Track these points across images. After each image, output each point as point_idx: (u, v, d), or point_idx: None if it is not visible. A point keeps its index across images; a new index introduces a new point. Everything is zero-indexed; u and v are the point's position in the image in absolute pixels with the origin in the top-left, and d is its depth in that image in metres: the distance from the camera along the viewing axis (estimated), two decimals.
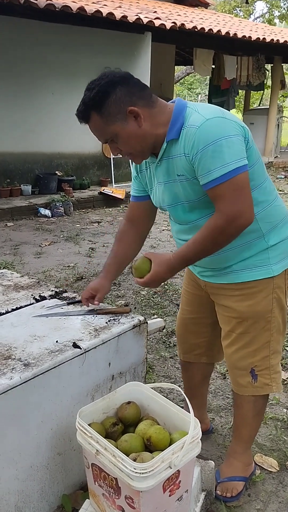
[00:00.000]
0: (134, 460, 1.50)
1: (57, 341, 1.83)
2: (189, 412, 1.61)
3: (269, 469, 2.12)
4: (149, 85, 8.72)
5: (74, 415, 1.80)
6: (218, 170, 1.51)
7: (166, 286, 4.18)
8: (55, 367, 1.70)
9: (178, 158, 1.63)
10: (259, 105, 16.32)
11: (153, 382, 2.74)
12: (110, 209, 7.47)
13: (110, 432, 1.71)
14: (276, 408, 2.56)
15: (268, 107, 12.29)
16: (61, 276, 4.42)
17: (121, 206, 7.62)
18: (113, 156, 8.21)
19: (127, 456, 1.54)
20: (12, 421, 1.59)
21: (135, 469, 1.43)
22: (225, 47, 10.19)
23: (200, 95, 40.11)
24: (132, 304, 3.74)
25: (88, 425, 1.67)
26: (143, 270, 1.80)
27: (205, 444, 2.25)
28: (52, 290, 2.34)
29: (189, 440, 1.53)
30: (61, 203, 6.90)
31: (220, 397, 2.61)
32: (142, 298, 3.90)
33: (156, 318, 3.47)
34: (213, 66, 10.84)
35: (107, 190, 7.73)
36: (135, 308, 3.70)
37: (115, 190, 7.72)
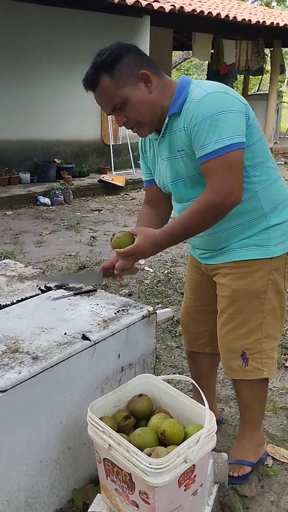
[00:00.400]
0: (149, 455, 1.46)
1: (65, 333, 1.78)
2: (203, 404, 1.56)
3: (282, 460, 2.08)
4: None
5: (84, 409, 1.76)
6: (212, 145, 1.50)
7: (169, 275, 4.13)
8: (64, 360, 1.66)
9: (178, 133, 1.62)
10: (257, 91, 16.18)
11: (160, 373, 2.70)
12: (110, 197, 7.39)
13: (122, 426, 1.66)
14: (286, 397, 2.53)
15: (267, 92, 12.16)
16: (63, 265, 4.36)
17: (121, 194, 7.54)
18: (113, 143, 8.11)
19: (141, 451, 1.50)
20: (21, 416, 1.55)
21: (150, 464, 1.39)
22: (224, 31, 10.05)
23: None
24: (135, 293, 3.69)
25: (100, 419, 1.63)
26: (124, 243, 1.72)
27: (216, 435, 2.21)
28: (52, 275, 2.28)
29: (204, 434, 1.49)
30: (60, 191, 6.83)
31: (228, 387, 2.57)
32: (145, 287, 3.84)
33: (163, 308, 3.43)
34: (212, 51, 10.68)
35: (106, 177, 7.64)
36: (138, 297, 3.65)
37: (115, 178, 7.63)
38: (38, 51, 7.27)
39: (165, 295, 3.70)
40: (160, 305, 3.53)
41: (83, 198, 7.21)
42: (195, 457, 1.46)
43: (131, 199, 7.25)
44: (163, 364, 2.79)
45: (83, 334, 1.77)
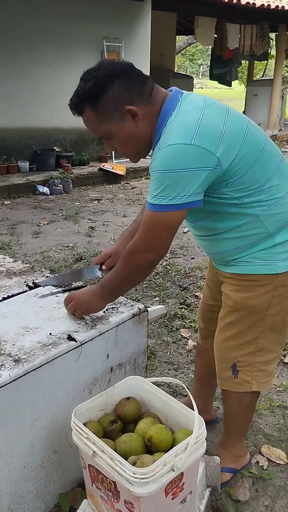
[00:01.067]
0: (134, 463, 1.40)
1: (50, 334, 1.71)
2: (193, 409, 1.49)
3: (277, 461, 2.02)
4: (149, 56, 8.48)
5: (70, 411, 1.69)
6: (152, 197, 1.46)
7: (168, 267, 4.05)
8: (48, 362, 1.59)
9: None
10: (262, 76, 15.92)
11: (155, 369, 2.64)
12: (111, 186, 7.29)
13: (108, 431, 1.60)
14: (283, 395, 2.46)
15: (272, 77, 11.94)
16: (60, 256, 4.29)
17: (122, 183, 7.43)
18: None
19: (127, 458, 1.43)
20: (2, 421, 1.48)
21: (134, 474, 1.33)
22: (228, 14, 9.83)
23: (202, 66, 39.30)
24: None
25: (85, 423, 1.57)
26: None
27: (210, 435, 2.14)
28: (47, 276, 2.20)
29: (193, 441, 1.42)
30: (59, 180, 6.73)
31: None
32: None
33: (157, 304, 3.35)
34: (215, 36, 10.47)
35: (107, 166, 7.53)
36: (135, 290, 3.58)
37: (116, 166, 7.52)
38: (36, 37, 7.12)
39: (163, 288, 3.63)
40: (157, 298, 3.45)
41: (83, 187, 7.11)
42: (182, 465, 1.40)
43: (131, 188, 7.14)
44: (158, 360, 2.72)
45: (69, 335, 1.70)
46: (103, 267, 1.96)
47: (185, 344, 2.90)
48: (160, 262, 4.10)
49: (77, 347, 1.68)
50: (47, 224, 5.31)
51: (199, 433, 1.45)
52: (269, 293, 1.65)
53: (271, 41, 11.88)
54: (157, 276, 3.86)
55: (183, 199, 1.42)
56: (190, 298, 3.49)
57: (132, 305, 1.95)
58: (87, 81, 1.45)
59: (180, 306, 3.34)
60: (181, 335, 2.98)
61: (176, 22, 12.01)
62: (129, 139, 1.53)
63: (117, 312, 1.90)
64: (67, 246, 4.58)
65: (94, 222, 5.41)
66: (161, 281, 3.76)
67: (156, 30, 8.73)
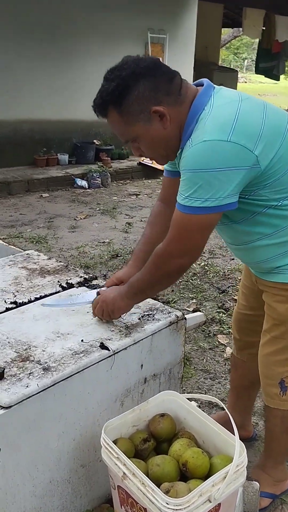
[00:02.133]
0: (167, 492, 1.28)
1: (82, 340, 1.61)
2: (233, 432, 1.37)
3: None
4: (194, 48, 8.28)
5: (101, 423, 1.60)
6: (183, 198, 1.35)
7: (206, 267, 3.90)
8: (78, 372, 1.49)
9: None
10: None
11: (191, 377, 2.51)
12: (149, 181, 7.16)
13: (140, 450, 1.49)
14: None
15: None
16: (96, 253, 4.20)
17: (161, 178, 7.28)
18: None
19: (160, 484, 1.32)
20: (28, 434, 1.39)
21: (168, 504, 1.22)
22: (278, 6, 9.47)
23: (246, 60, 38.57)
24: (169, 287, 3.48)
25: (115, 440, 1.46)
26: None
27: (248, 454, 1.99)
28: (81, 277, 2.11)
29: (233, 470, 1.30)
30: (98, 173, 6.65)
31: None
32: (180, 280, 3.63)
33: (194, 307, 3.22)
34: (263, 28, 10.14)
35: (146, 160, 7.40)
36: (172, 291, 3.45)
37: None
38: (80, 28, 7.04)
39: (201, 290, 3.48)
40: (194, 301, 3.32)
41: (121, 182, 7.01)
42: (220, 496, 1.27)
43: None
44: (194, 367, 2.59)
45: (102, 343, 1.59)
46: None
47: (223, 351, 2.76)
48: (198, 262, 3.97)
49: (110, 356, 1.58)
50: (84, 218, 5.24)
51: (239, 461, 1.32)
52: None
53: None
54: (195, 277, 3.72)
55: (217, 201, 1.31)
56: (229, 302, 3.34)
57: (170, 312, 1.83)
58: (110, 81, 1.36)
59: (218, 310, 3.19)
60: (219, 342, 2.85)
61: (223, 14, 11.72)
62: (156, 142, 1.43)
63: (153, 319, 1.78)
64: (103, 242, 4.50)
65: (132, 217, 5.31)
66: (199, 282, 3.62)
67: (202, 21, 8.51)
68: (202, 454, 1.38)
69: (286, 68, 13.21)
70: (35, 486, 1.47)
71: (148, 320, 1.77)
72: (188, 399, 1.57)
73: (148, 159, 7.05)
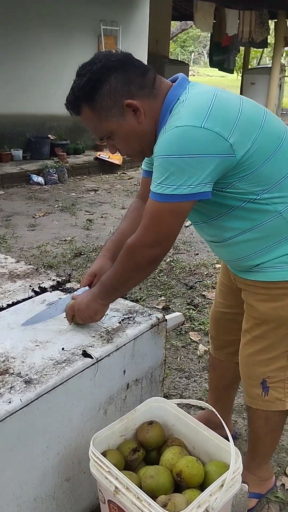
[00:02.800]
0: (165, 505, 1.24)
1: (63, 349, 1.54)
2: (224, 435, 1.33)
3: None
4: (147, 41, 8.22)
5: (85, 434, 1.54)
6: (155, 185, 1.31)
7: (172, 263, 3.87)
8: (62, 383, 1.41)
9: None
10: (258, 64, 15.69)
11: (166, 377, 2.47)
12: (107, 176, 7.06)
13: (130, 460, 1.43)
14: None
15: (270, 65, 11.71)
16: (58, 251, 4.09)
17: (118, 173, 7.21)
18: None
19: (154, 497, 1.27)
20: (11, 452, 1.31)
21: None
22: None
23: (193, 53, 38.83)
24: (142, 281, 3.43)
25: (104, 452, 1.40)
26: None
27: None
28: (54, 280, 2.02)
29: (230, 477, 1.26)
30: (54, 169, 6.49)
31: (241, 394, 2.33)
32: (146, 277, 3.58)
33: (163, 304, 3.18)
34: (214, 21, 10.20)
35: (103, 155, 7.30)
36: (140, 288, 3.40)
37: (112, 156, 7.29)
38: (31, 19, 6.82)
39: (168, 287, 3.45)
40: (163, 298, 3.28)
41: (78, 177, 6.87)
42: (218, 505, 1.24)
43: (128, 179, 6.93)
44: (168, 367, 2.56)
45: (84, 351, 1.52)
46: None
47: (196, 349, 2.74)
48: (163, 258, 3.94)
49: (93, 364, 1.51)
50: (43, 216, 5.10)
51: (236, 468, 1.29)
52: None
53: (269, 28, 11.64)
54: (161, 274, 3.68)
55: (189, 188, 1.27)
56: (197, 297, 3.32)
57: (150, 315, 1.78)
58: (81, 77, 1.34)
59: (187, 307, 3.17)
60: (191, 339, 2.82)
61: (172, 7, 11.71)
62: (131, 137, 1.39)
63: (134, 322, 1.73)
64: (64, 240, 4.38)
65: (92, 214, 5.20)
66: (166, 279, 3.59)
67: (152, 14, 8.44)
68: (197, 462, 1.35)
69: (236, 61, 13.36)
70: (19, 505, 1.39)
71: (129, 323, 1.71)
72: (176, 404, 1.53)
73: (107, 154, 6.92)
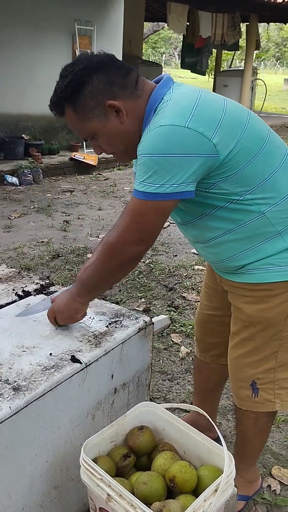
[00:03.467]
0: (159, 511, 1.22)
1: (51, 354, 1.51)
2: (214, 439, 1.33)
3: None
4: (121, 41, 8.19)
5: (73, 441, 1.51)
6: (138, 183, 1.31)
7: (151, 265, 3.87)
8: (51, 389, 1.38)
9: None
10: (230, 67, 15.84)
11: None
12: (82, 177, 7.00)
13: (121, 467, 1.41)
14: None
15: (242, 68, 11.85)
16: (35, 253, 4.03)
17: (94, 174, 7.17)
18: None
19: (148, 504, 1.25)
20: (0, 462, 1.27)
21: None
22: (200, 2, 9.63)
23: (164, 55, 38.98)
24: (116, 286, 3.41)
25: (94, 459, 1.38)
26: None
27: None
28: (37, 283, 1.98)
29: (224, 481, 1.26)
30: (29, 170, 6.40)
31: (224, 396, 2.34)
32: (126, 279, 3.57)
33: (143, 306, 3.17)
34: (187, 23, 10.25)
35: (78, 156, 7.24)
36: (119, 290, 3.38)
37: (87, 156, 7.24)
38: (5, 18, 6.71)
39: (148, 288, 3.44)
40: (143, 300, 3.27)
41: (54, 178, 6.80)
42: (212, 511, 1.23)
43: (104, 179, 6.89)
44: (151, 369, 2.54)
45: (73, 356, 1.50)
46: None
47: (178, 350, 2.74)
48: (142, 260, 3.93)
49: (82, 369, 1.48)
50: (18, 217, 5.01)
51: (229, 472, 1.29)
52: (286, 302, 1.50)
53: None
54: (141, 275, 3.67)
55: (172, 187, 1.27)
56: (178, 299, 3.32)
57: (137, 318, 1.77)
58: (64, 78, 1.35)
59: (168, 309, 3.16)
60: (173, 341, 2.82)
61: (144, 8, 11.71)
62: (115, 137, 1.40)
63: (121, 326, 1.71)
64: (41, 242, 4.32)
65: (68, 215, 5.15)
66: (146, 281, 3.58)
67: (125, 15, 8.43)
68: (190, 467, 1.33)
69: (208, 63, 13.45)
70: None
71: (116, 327, 1.69)
72: (166, 409, 1.51)
73: (82, 155, 6.85)
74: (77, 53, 7.23)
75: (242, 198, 1.38)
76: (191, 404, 2.21)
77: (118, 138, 1.40)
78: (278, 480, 1.89)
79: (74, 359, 1.48)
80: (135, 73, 1.39)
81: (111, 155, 1.52)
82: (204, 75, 13.69)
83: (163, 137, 1.25)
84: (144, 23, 14.28)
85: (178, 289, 3.47)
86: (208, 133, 1.26)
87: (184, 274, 3.74)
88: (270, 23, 17.27)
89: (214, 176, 1.34)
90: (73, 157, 7.19)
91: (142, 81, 1.39)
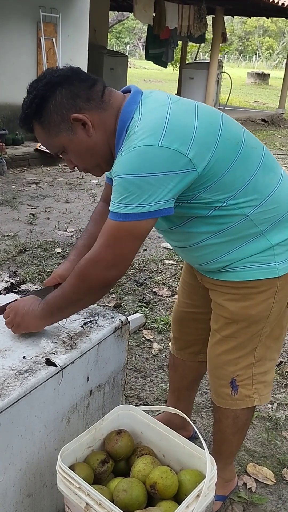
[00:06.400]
0: None
1: (24, 357, 1.44)
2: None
3: (265, 482, 1.88)
4: (88, 30, 8.04)
5: (48, 447, 1.46)
6: (114, 205, 1.28)
7: None
8: (26, 394, 1.32)
9: None
10: (195, 59, 15.86)
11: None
12: (48, 168, 6.85)
13: (99, 473, 1.37)
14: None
15: (208, 61, 11.85)
16: (1, 247, 3.90)
17: (60, 165, 7.02)
18: None
19: (128, 511, 1.21)
20: None
21: None
22: None
23: (128, 45, 38.71)
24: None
25: (71, 466, 1.33)
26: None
27: None
28: (7, 281, 1.90)
29: (207, 485, 1.23)
30: None
31: (198, 393, 2.32)
32: None
33: (114, 302, 3.11)
34: (154, 14, 10.16)
35: (43, 146, 7.06)
36: None
37: None
38: None
39: (119, 283, 3.38)
40: (114, 295, 3.21)
41: (18, 169, 6.61)
42: None
43: (71, 171, 6.75)
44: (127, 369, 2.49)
45: (48, 358, 1.44)
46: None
47: (150, 347, 2.70)
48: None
49: (58, 372, 1.43)
50: None
51: (211, 476, 1.26)
52: (269, 299, 1.49)
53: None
54: None
55: (148, 206, 1.24)
56: (149, 294, 3.28)
57: (113, 317, 1.72)
58: (29, 94, 1.34)
59: (139, 304, 3.12)
60: (145, 337, 2.78)
61: None
62: (84, 151, 1.37)
63: (97, 326, 1.65)
64: (7, 236, 4.19)
65: (35, 208, 5.02)
66: None
67: (91, 3, 8.25)
68: (171, 472, 1.30)
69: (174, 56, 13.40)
70: None
71: (91, 327, 1.64)
72: (144, 411, 1.47)
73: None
74: (42, 40, 7.04)
75: (225, 204, 1.36)
76: (166, 402, 2.19)
77: (87, 151, 1.36)
78: (254, 478, 1.89)
79: (49, 362, 1.43)
80: (100, 84, 1.35)
81: None
82: (166, 67, 13.63)
83: (137, 158, 1.22)
84: (110, 12, 14.10)
85: (149, 284, 3.43)
86: (182, 149, 1.24)
87: (155, 269, 3.70)
88: (234, 16, 17.35)
89: (195, 188, 1.32)
90: (38, 148, 7.02)
91: (109, 92, 1.36)
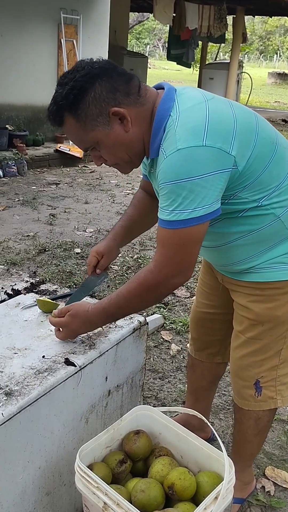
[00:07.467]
0: None
1: (44, 356, 1.45)
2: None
3: (283, 485, 1.87)
4: (108, 31, 8.07)
5: (66, 446, 1.47)
6: (168, 214, 1.25)
7: (139, 260, 3.82)
8: (45, 394, 1.34)
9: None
10: (215, 59, 15.79)
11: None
12: (68, 169, 6.89)
13: (117, 473, 1.37)
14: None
15: (228, 61, 11.79)
16: (21, 247, 3.95)
17: (80, 166, 7.07)
18: None
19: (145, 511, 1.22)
20: None
21: None
22: None
23: (148, 46, 38.76)
24: (105, 282, 3.35)
25: (90, 465, 1.34)
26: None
27: None
28: (27, 281, 1.92)
29: (225, 488, 1.22)
30: (13, 161, 6.27)
31: (216, 394, 2.31)
32: (114, 274, 3.52)
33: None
34: (174, 15, 10.15)
35: (63, 147, 7.12)
36: (108, 286, 3.33)
37: (73, 148, 7.13)
38: None
39: None
40: None
41: (38, 170, 6.68)
42: None
43: (90, 172, 6.80)
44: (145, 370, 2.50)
45: (67, 358, 1.45)
46: (97, 270, 1.71)
47: (168, 348, 2.70)
48: (130, 255, 3.88)
49: (76, 372, 1.44)
50: (3, 210, 4.91)
51: (230, 478, 1.26)
52: None
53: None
54: (129, 271, 3.61)
55: (204, 209, 1.23)
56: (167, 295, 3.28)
57: (132, 318, 1.72)
58: (64, 85, 1.27)
59: (157, 305, 3.12)
60: (163, 338, 2.78)
61: None
62: (118, 146, 1.33)
63: (115, 326, 1.66)
64: (27, 236, 4.24)
65: (54, 208, 5.06)
66: None
67: (111, 4, 8.29)
68: (189, 474, 1.30)
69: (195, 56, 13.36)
70: None
71: (110, 327, 1.65)
72: (163, 412, 1.48)
73: (68, 147, 6.73)
74: (63, 42, 7.10)
75: (259, 204, 1.36)
76: (183, 403, 2.18)
77: (122, 147, 1.33)
78: (272, 481, 1.87)
79: (68, 362, 1.44)
80: (137, 79, 1.33)
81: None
82: (190, 67, 13.62)
83: (184, 160, 1.21)
84: (130, 13, 14.13)
85: None
86: (226, 147, 1.23)
87: None
88: (255, 16, 17.22)
89: (234, 187, 1.31)
90: (59, 148, 7.08)
91: (144, 87, 1.34)
